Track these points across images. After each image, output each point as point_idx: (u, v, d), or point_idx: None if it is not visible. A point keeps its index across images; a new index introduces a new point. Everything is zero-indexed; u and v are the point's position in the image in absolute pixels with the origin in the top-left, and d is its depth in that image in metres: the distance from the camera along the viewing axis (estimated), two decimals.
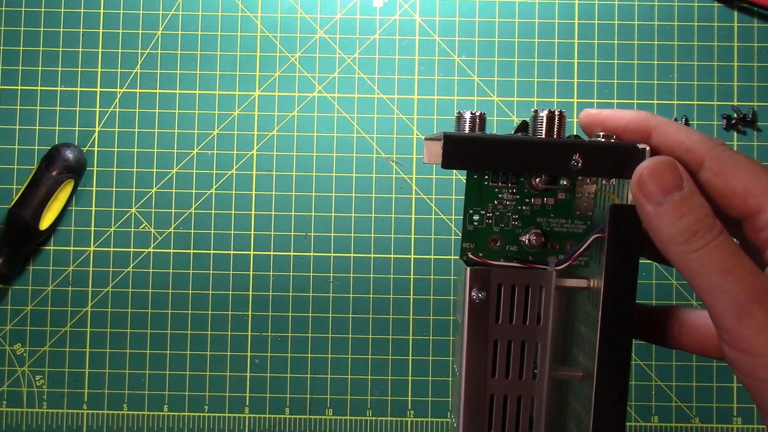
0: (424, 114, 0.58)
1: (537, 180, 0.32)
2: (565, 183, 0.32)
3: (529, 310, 0.31)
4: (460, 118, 0.31)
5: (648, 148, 0.29)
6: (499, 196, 0.32)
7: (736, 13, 0.58)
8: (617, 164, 0.29)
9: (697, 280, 0.27)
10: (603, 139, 0.30)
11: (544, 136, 0.30)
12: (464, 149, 0.29)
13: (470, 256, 0.32)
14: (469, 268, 0.30)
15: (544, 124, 0.30)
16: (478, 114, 0.30)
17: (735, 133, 0.58)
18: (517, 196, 0.32)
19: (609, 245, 0.29)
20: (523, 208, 0.32)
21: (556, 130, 0.30)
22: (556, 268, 0.31)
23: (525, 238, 0.32)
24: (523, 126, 0.31)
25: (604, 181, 0.31)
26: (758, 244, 0.28)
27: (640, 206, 0.28)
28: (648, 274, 0.57)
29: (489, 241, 0.32)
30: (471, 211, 0.32)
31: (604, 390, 0.29)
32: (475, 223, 0.32)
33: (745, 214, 0.28)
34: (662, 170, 0.27)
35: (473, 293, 0.30)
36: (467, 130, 0.31)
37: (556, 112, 0.30)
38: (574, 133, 0.32)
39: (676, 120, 0.58)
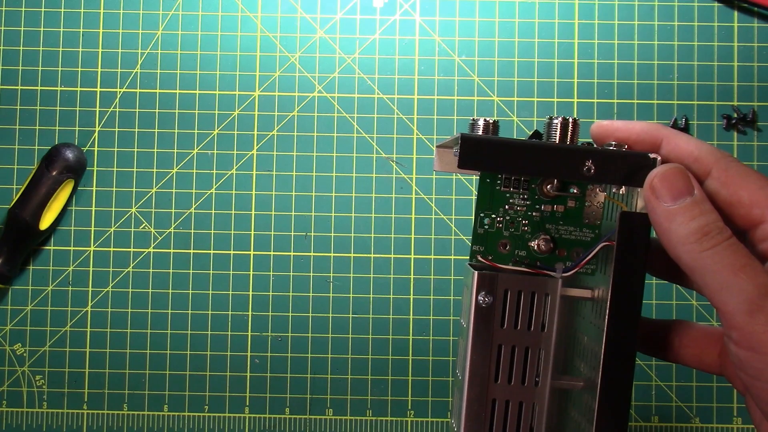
0: (424, 114, 0.58)
1: (548, 187, 0.32)
2: (575, 191, 0.32)
3: (534, 317, 0.31)
4: (474, 125, 0.31)
5: (659, 157, 0.29)
6: (511, 201, 0.33)
7: (736, 13, 0.58)
8: (629, 172, 0.29)
9: (708, 279, 0.27)
10: (615, 148, 0.30)
11: (557, 142, 0.30)
12: (480, 151, 0.29)
13: (480, 258, 0.32)
14: (476, 272, 0.31)
15: (558, 130, 0.31)
16: (492, 121, 0.31)
17: (735, 133, 0.58)
18: (528, 202, 0.32)
19: (618, 251, 0.29)
20: (534, 214, 0.32)
21: (569, 136, 0.31)
22: (564, 274, 0.31)
23: (534, 244, 0.32)
24: (535, 135, 0.32)
25: (614, 190, 0.31)
26: (761, 253, 0.29)
27: (652, 209, 0.29)
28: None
29: (498, 244, 0.33)
30: (482, 215, 0.33)
31: (607, 400, 0.29)
32: (486, 227, 0.33)
33: (750, 224, 0.29)
34: (673, 176, 0.28)
35: (480, 297, 0.30)
36: None
37: (570, 120, 0.31)
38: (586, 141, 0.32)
39: (676, 120, 0.58)
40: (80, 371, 0.58)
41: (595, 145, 0.32)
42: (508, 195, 0.32)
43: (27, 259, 0.58)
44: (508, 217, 0.32)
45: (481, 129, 0.31)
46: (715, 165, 0.29)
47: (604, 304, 0.30)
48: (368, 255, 0.58)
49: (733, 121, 0.58)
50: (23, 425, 0.58)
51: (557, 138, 0.31)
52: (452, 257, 0.58)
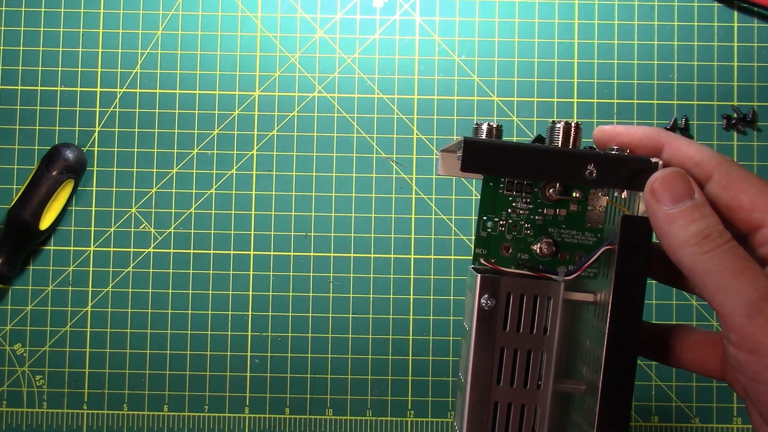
0: (424, 114, 0.58)
1: (551, 190, 0.32)
2: (577, 195, 0.32)
3: (537, 320, 0.31)
4: (477, 129, 0.31)
5: (660, 162, 0.30)
6: (513, 204, 0.33)
7: (736, 13, 0.58)
8: (630, 176, 0.30)
9: (708, 281, 0.27)
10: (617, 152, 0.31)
11: (560, 146, 0.31)
12: (483, 154, 0.29)
13: (482, 261, 0.32)
14: (479, 275, 0.31)
15: (561, 134, 0.31)
16: (495, 126, 0.31)
17: (735, 133, 0.58)
18: (531, 206, 0.33)
19: (619, 255, 0.29)
20: (536, 217, 0.33)
21: (572, 140, 0.31)
22: (566, 278, 0.31)
23: (536, 247, 0.33)
24: (538, 139, 0.32)
25: (616, 194, 0.31)
26: (761, 257, 0.29)
27: (653, 212, 0.29)
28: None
29: (501, 248, 0.33)
30: (485, 218, 0.33)
31: (608, 403, 0.29)
32: (489, 230, 0.33)
33: (750, 228, 0.29)
34: (674, 179, 0.29)
35: (482, 300, 0.31)
36: None
37: (573, 124, 0.31)
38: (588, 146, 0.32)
39: (676, 120, 0.58)
40: (80, 371, 0.58)
41: (596, 149, 0.32)
42: (510, 198, 0.33)
43: (27, 259, 0.58)
44: (510, 221, 0.33)
45: (485, 132, 0.31)
46: (716, 169, 0.29)
47: (606, 307, 0.30)
48: (368, 255, 0.58)
49: (733, 121, 0.58)
50: (23, 425, 0.58)
51: (560, 142, 0.31)
52: (452, 257, 0.58)
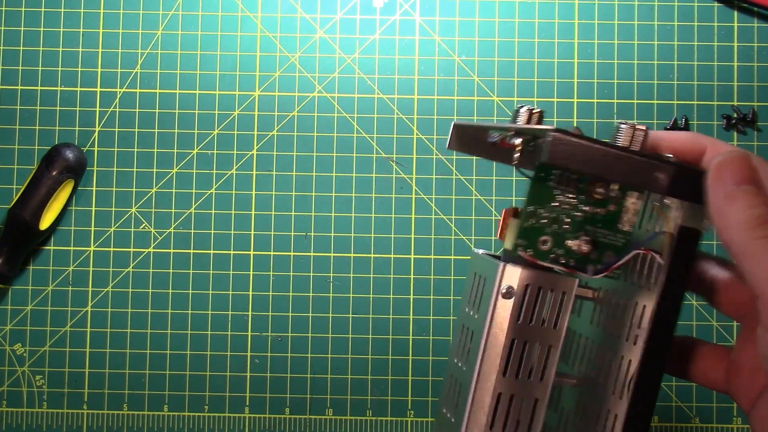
0: (424, 114, 0.58)
1: (598, 189, 0.32)
2: (617, 196, 0.32)
3: (550, 314, 0.31)
4: (517, 113, 0.32)
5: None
6: (559, 199, 0.33)
7: (736, 13, 0.58)
8: (698, 189, 0.30)
9: (755, 266, 0.28)
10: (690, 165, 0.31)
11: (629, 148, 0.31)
12: (567, 149, 0.29)
13: (520, 253, 0.32)
14: (502, 264, 0.31)
15: (630, 136, 0.31)
16: (537, 111, 0.31)
17: (735, 133, 0.58)
18: (575, 202, 0.33)
19: (672, 264, 0.30)
20: (577, 214, 0.32)
21: (640, 145, 0.31)
22: (594, 276, 0.32)
23: (574, 244, 0.32)
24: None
25: (656, 201, 0.32)
26: None
27: (714, 190, 0.29)
28: None
29: (539, 241, 0.33)
30: (530, 209, 0.32)
31: (636, 411, 0.30)
32: (532, 222, 0.33)
33: None
34: (741, 161, 0.29)
35: (503, 290, 0.31)
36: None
37: (638, 127, 0.31)
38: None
39: (676, 120, 0.58)
40: (80, 371, 0.58)
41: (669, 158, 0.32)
42: (557, 193, 0.32)
43: (27, 259, 0.58)
44: (553, 215, 0.33)
45: (525, 117, 0.31)
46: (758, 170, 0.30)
47: (621, 310, 0.30)
48: (368, 255, 0.58)
49: (733, 121, 0.58)
50: (23, 425, 0.58)
51: (628, 144, 0.31)
52: (452, 257, 0.58)
